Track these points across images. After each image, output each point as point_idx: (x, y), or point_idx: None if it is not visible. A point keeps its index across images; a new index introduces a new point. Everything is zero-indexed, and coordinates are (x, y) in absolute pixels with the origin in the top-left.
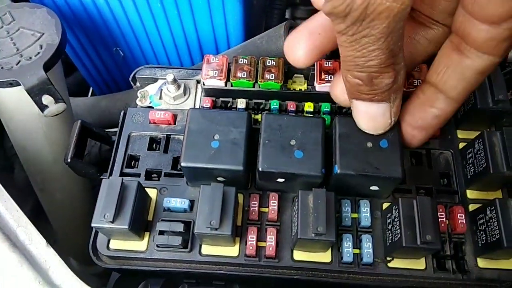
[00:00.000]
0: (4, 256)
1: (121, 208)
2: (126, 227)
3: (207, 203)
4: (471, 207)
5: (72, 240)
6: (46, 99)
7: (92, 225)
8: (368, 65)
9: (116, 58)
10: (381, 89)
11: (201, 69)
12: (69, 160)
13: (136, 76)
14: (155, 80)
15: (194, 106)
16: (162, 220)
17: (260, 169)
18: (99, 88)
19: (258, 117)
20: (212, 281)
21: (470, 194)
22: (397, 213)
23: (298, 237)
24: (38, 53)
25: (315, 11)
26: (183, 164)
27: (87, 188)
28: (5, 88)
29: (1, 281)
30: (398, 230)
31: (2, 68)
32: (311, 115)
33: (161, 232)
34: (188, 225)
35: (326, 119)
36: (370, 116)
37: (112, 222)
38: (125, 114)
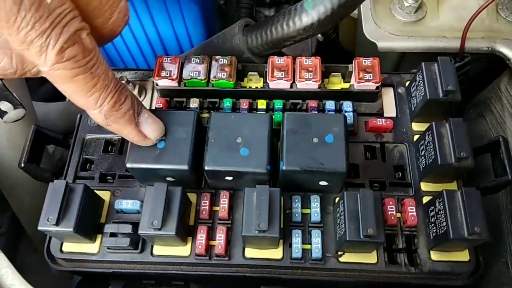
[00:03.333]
0: None
1: (66, 210)
2: (71, 229)
3: (151, 203)
4: (425, 199)
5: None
6: (5, 105)
7: (39, 228)
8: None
9: None
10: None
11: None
12: (22, 165)
13: None
14: None
15: (151, 107)
16: (113, 222)
17: (206, 168)
18: None
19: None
20: (171, 281)
21: (425, 186)
22: (343, 207)
23: (242, 234)
24: None
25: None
26: (128, 165)
27: None
28: None
29: None
30: (343, 224)
31: None
32: (259, 113)
33: (112, 234)
34: (135, 225)
35: (273, 115)
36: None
37: (57, 224)
38: (81, 116)
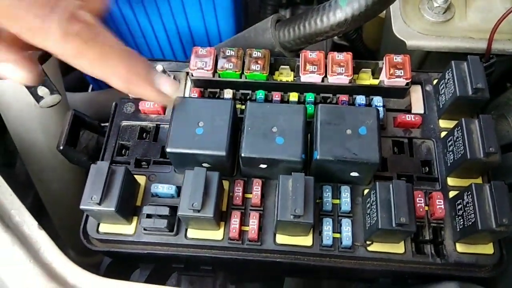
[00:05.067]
0: None
1: (108, 191)
2: (113, 209)
3: (190, 186)
4: (452, 194)
5: (69, 231)
6: (42, 90)
7: (81, 207)
8: None
9: None
10: None
11: (189, 62)
12: (61, 147)
13: None
14: None
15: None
16: (149, 205)
17: (242, 155)
18: (97, 84)
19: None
20: (200, 266)
21: (451, 181)
22: (375, 197)
23: (278, 219)
24: None
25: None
26: (168, 149)
27: (82, 180)
28: (2, 80)
29: None
30: (375, 213)
31: None
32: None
33: (148, 216)
34: (174, 209)
35: (307, 107)
36: None
37: (99, 204)
38: (116, 105)
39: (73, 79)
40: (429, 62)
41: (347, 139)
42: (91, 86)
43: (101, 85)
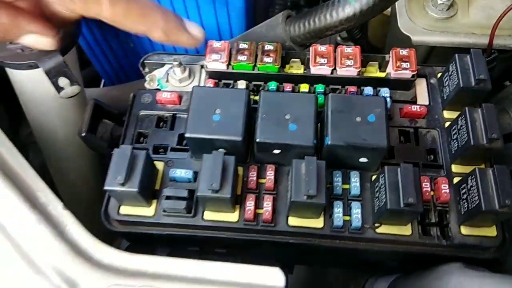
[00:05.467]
0: (25, 215)
1: (131, 173)
2: (136, 189)
3: (209, 168)
4: (455, 180)
5: (84, 220)
6: (62, 81)
7: (105, 188)
8: None
9: (126, 48)
10: None
11: (205, 55)
12: (83, 134)
13: (145, 61)
14: (162, 65)
15: None
16: (168, 187)
17: (257, 140)
18: (110, 79)
19: (257, 98)
20: (215, 248)
21: (455, 168)
22: (383, 180)
23: (292, 199)
24: None
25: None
26: (187, 135)
27: (98, 171)
28: (25, 70)
29: (22, 237)
30: (384, 195)
31: (23, 51)
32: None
33: (168, 197)
34: (192, 193)
35: (318, 97)
36: None
37: (123, 185)
38: (134, 96)
39: (86, 76)
40: (432, 58)
41: (357, 125)
42: (103, 81)
43: (112, 79)
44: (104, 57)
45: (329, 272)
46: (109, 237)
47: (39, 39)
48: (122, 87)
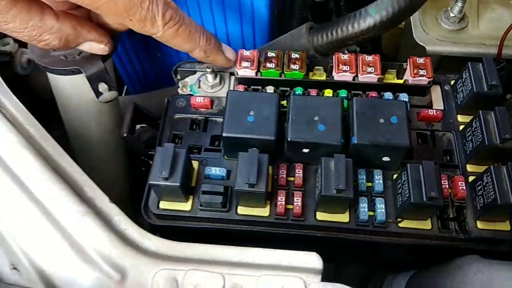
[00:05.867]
0: (76, 208)
1: (173, 169)
2: (178, 184)
3: (245, 165)
4: (471, 178)
5: None
6: (102, 86)
7: (149, 182)
8: None
9: (153, 58)
10: None
11: (235, 63)
12: (124, 135)
13: (178, 69)
14: (194, 72)
15: None
16: (205, 183)
17: (289, 139)
18: (133, 86)
19: (284, 102)
20: (246, 243)
21: (470, 168)
22: (406, 177)
23: (322, 194)
24: None
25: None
26: (224, 134)
27: (127, 171)
28: (67, 75)
29: (72, 228)
30: (407, 190)
31: (66, 58)
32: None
33: (205, 192)
34: (226, 189)
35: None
36: None
37: (167, 179)
38: (169, 101)
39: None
40: (442, 67)
41: (380, 126)
42: (125, 88)
43: (136, 87)
44: (131, 65)
45: (344, 273)
46: None
47: (95, 45)
48: (148, 95)
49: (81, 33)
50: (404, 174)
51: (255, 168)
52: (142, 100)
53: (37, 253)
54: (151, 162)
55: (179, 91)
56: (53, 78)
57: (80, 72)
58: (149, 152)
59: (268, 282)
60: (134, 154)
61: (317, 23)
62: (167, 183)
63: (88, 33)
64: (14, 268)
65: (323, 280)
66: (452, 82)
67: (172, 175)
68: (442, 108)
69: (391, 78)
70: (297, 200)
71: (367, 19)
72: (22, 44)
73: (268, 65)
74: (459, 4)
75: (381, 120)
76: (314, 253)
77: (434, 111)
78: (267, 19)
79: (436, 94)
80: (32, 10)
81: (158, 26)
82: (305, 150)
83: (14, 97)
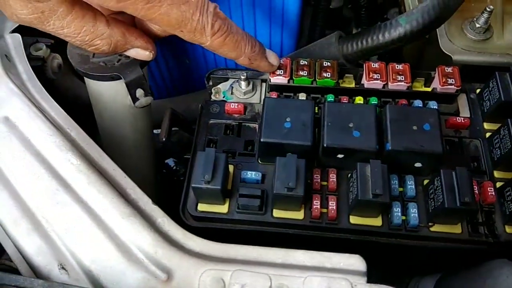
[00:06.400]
0: (121, 209)
1: (214, 173)
2: (219, 187)
3: (284, 169)
4: (498, 184)
5: None
6: (139, 92)
7: (192, 185)
8: None
9: (180, 64)
10: None
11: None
12: (163, 139)
13: (211, 75)
14: (226, 79)
15: (260, 100)
16: (242, 187)
17: (324, 145)
18: (159, 91)
19: (316, 109)
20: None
21: (497, 174)
22: (439, 183)
23: (359, 198)
24: None
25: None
26: (262, 139)
27: (156, 174)
28: (106, 81)
29: (120, 226)
30: (441, 196)
31: (106, 65)
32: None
33: (242, 195)
34: (262, 192)
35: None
36: None
37: (209, 182)
38: (202, 106)
39: None
40: (462, 75)
41: (414, 133)
42: None
43: (162, 92)
44: (158, 71)
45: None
46: None
47: (141, 52)
48: (175, 100)
49: (129, 39)
50: (437, 179)
51: (294, 173)
52: (170, 104)
53: (85, 253)
54: (176, 167)
55: (212, 97)
56: (91, 84)
57: (120, 78)
58: (185, 156)
59: (315, 283)
60: (164, 157)
61: (329, 29)
62: (209, 186)
63: (136, 40)
64: (63, 268)
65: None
66: (478, 90)
67: (213, 178)
68: (469, 115)
69: (419, 86)
70: (332, 204)
71: (398, 29)
72: (54, 49)
73: (301, 72)
74: (485, 15)
75: (414, 127)
76: (358, 255)
77: (462, 118)
78: (295, 27)
79: (462, 102)
80: (86, 16)
81: (207, 36)
82: (340, 156)
83: (54, 102)
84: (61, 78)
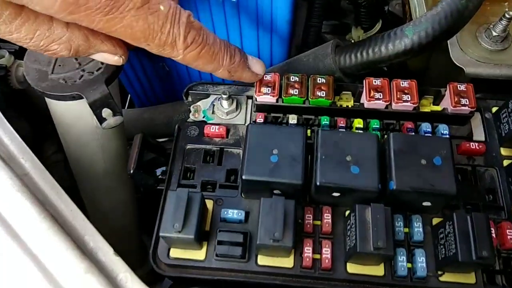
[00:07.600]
0: (77, 264)
1: (186, 219)
2: (192, 237)
3: (270, 216)
4: None
5: (119, 253)
6: (105, 112)
7: (161, 234)
8: None
9: (160, 72)
10: None
11: (251, 85)
12: (131, 171)
13: (189, 91)
14: (207, 95)
15: (246, 120)
16: (221, 231)
17: (317, 183)
18: (140, 100)
19: (308, 132)
20: None
21: None
22: (451, 229)
23: (358, 251)
24: (100, 68)
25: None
26: (244, 177)
27: (134, 201)
28: (67, 101)
29: (74, 285)
30: (453, 245)
31: (66, 82)
32: (364, 131)
33: (220, 242)
34: (245, 235)
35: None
36: None
37: (180, 232)
38: (180, 128)
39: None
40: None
41: (422, 169)
42: (129, 96)
43: (143, 101)
44: (137, 80)
45: None
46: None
47: (109, 57)
48: (155, 109)
49: (94, 43)
50: (449, 224)
51: (281, 220)
52: (149, 114)
53: None
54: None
55: (191, 116)
56: (51, 103)
57: (81, 97)
58: (158, 187)
59: None
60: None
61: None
62: (180, 235)
63: (102, 44)
64: None
65: None
66: (494, 109)
67: (185, 226)
68: (484, 139)
69: (427, 104)
70: (326, 252)
71: (403, 40)
72: (18, 56)
73: (291, 91)
74: (504, 22)
75: (423, 161)
76: None
77: (476, 144)
78: (287, 34)
79: (476, 123)
80: (39, 19)
81: (179, 50)
82: (335, 194)
83: (9, 126)
84: (30, 87)
